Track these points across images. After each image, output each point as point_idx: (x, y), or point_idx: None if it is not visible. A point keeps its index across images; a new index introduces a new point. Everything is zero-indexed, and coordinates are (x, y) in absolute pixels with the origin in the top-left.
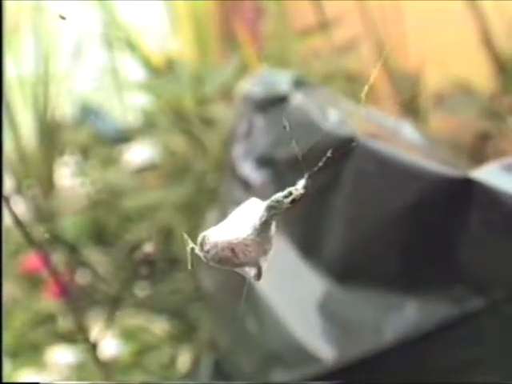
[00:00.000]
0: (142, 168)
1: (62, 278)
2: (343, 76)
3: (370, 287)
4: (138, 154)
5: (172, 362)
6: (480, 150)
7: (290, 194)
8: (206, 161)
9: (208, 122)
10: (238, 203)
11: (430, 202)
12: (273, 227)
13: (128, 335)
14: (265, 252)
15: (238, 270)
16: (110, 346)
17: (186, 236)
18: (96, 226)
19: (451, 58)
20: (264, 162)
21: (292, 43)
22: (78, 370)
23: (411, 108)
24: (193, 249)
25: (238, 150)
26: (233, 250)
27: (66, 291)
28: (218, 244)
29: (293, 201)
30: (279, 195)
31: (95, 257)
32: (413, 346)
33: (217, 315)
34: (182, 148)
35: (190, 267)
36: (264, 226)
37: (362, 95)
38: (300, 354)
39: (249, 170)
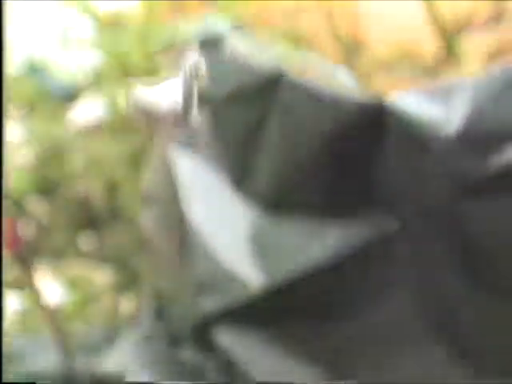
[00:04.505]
0: (89, 125)
1: (7, 230)
2: (291, 39)
3: (296, 216)
4: (85, 111)
5: (115, 310)
6: None
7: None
8: None
9: (154, 75)
10: (179, 142)
11: (349, 130)
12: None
13: (72, 284)
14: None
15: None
16: (54, 294)
17: None
18: (42, 180)
19: (398, 26)
20: (203, 100)
21: (241, 7)
22: (24, 317)
23: (357, 72)
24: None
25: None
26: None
27: (11, 242)
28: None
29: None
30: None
31: (40, 209)
32: (333, 269)
33: (155, 257)
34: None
35: None
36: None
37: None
38: (230, 282)
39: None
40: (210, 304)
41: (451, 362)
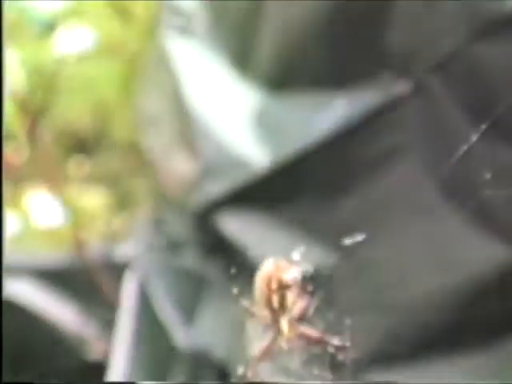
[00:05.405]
0: (75, 52)
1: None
2: None
3: (301, 90)
4: (68, 40)
5: (110, 231)
6: None
7: None
8: (138, 35)
9: None
10: (175, 30)
11: None
12: None
13: (65, 207)
14: None
15: None
16: (49, 216)
17: None
18: (32, 107)
19: None
20: None
21: None
22: (18, 240)
23: None
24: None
25: None
26: None
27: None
28: None
29: None
30: None
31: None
32: (341, 139)
33: (157, 155)
34: (114, 27)
35: None
36: None
37: None
38: (235, 164)
39: None
40: (213, 189)
41: (466, 226)
